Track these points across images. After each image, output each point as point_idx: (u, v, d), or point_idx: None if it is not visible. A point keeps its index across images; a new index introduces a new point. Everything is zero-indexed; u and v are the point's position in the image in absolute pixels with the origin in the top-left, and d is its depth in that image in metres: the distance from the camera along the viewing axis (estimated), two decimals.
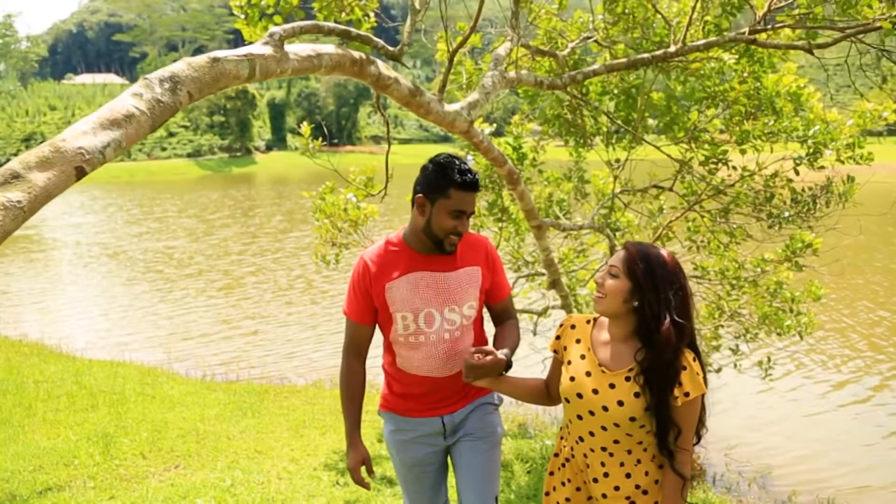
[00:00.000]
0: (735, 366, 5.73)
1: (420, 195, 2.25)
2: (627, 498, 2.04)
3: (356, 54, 2.12)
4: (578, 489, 2.16)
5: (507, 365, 2.24)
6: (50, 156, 1.08)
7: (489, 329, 2.52)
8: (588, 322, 2.15)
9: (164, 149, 60.31)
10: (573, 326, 2.17)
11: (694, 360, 1.97)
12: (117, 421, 5.71)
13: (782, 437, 6.89)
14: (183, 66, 1.43)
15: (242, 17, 3.11)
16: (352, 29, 2.20)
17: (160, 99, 1.29)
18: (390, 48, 2.45)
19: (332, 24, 2.05)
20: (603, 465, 2.05)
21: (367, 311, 2.36)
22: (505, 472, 4.95)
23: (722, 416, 6.94)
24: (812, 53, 3.77)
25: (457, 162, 2.23)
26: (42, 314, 12.00)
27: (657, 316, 1.92)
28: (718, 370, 5.84)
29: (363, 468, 2.41)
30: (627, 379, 1.98)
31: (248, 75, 1.61)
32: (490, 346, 2.27)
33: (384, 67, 2.34)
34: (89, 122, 1.18)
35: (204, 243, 19.75)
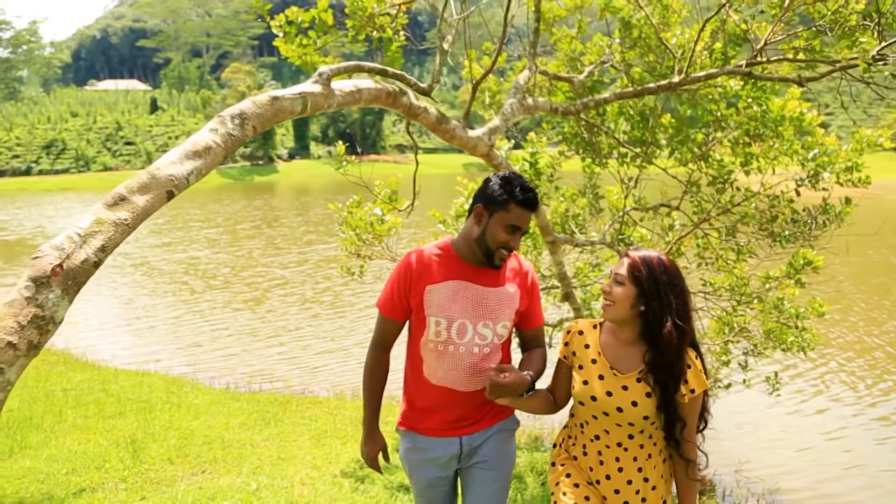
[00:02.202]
0: (744, 381, 5.79)
1: (480, 205, 2.28)
2: (637, 492, 2.18)
3: (391, 87, 2.35)
4: (589, 482, 2.27)
5: (531, 387, 2.31)
6: (148, 182, 1.31)
7: (515, 354, 2.54)
8: (595, 327, 2.28)
9: None
10: (580, 332, 2.28)
11: (696, 357, 2.14)
12: (145, 428, 5.86)
13: (798, 457, 6.81)
14: (249, 104, 1.67)
15: (281, 35, 3.34)
16: (388, 68, 2.43)
17: (231, 133, 1.53)
18: (421, 84, 2.70)
19: (371, 64, 2.30)
20: (617, 459, 2.19)
21: (402, 308, 2.36)
22: (518, 483, 5.04)
23: (738, 435, 6.90)
24: (802, 85, 3.94)
25: (521, 179, 2.28)
26: (67, 323, 12.03)
27: (660, 319, 2.07)
28: (728, 386, 5.86)
29: (380, 455, 2.49)
30: (639, 380, 2.12)
31: (301, 110, 1.85)
32: (512, 365, 2.31)
33: (414, 97, 2.56)
34: (177, 153, 1.41)
35: (229, 254, 19.89)
